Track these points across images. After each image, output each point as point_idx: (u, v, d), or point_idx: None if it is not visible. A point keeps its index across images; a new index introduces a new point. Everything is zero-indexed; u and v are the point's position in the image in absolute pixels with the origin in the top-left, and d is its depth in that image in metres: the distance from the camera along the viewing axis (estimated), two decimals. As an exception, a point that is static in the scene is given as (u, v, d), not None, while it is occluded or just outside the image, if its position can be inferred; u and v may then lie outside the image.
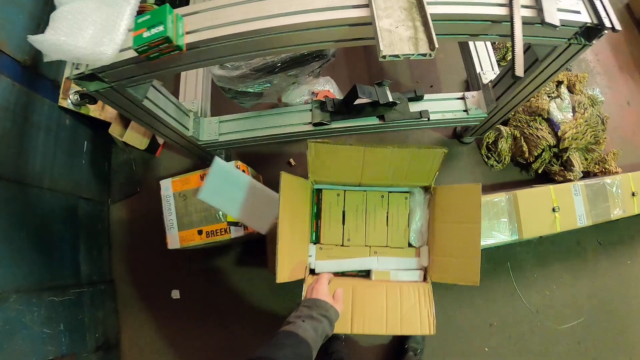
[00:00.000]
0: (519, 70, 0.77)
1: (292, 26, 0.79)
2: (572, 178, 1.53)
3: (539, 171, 1.61)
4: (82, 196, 1.55)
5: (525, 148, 1.55)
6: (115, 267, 1.64)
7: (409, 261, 1.12)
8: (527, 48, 1.06)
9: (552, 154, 1.56)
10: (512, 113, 1.60)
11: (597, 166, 1.64)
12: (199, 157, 1.57)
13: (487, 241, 1.37)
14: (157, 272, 1.62)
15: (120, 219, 1.67)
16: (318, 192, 1.14)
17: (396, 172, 1.02)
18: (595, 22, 0.88)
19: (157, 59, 0.80)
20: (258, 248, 1.49)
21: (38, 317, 1.25)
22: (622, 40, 2.01)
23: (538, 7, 0.85)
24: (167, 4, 0.78)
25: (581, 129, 1.51)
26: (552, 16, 0.83)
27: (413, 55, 0.71)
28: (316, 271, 1.08)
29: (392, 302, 0.98)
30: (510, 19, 0.81)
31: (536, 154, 1.53)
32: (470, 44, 1.43)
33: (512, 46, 0.79)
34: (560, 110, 1.54)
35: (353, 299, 0.98)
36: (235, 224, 1.32)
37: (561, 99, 1.56)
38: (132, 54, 0.79)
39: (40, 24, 1.36)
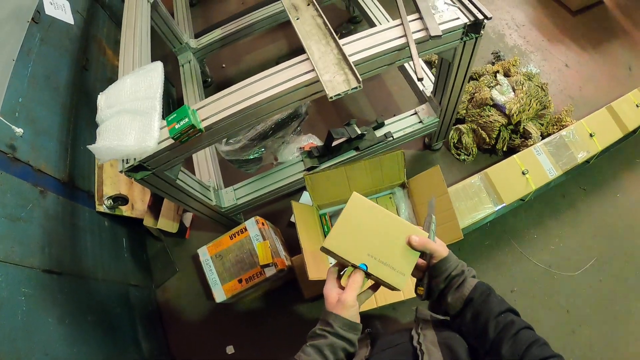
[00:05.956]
0: (420, 74, 1.26)
1: (269, 98, 1.28)
2: (532, 144, 2.00)
3: (504, 149, 2.08)
4: (131, 283, 1.98)
5: (484, 135, 2.03)
6: (172, 340, 2.04)
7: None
8: (441, 60, 1.60)
9: (509, 132, 2.04)
10: (464, 111, 2.12)
11: (554, 127, 2.12)
12: (224, 225, 2.04)
13: (476, 216, 1.79)
14: (209, 335, 2.02)
15: (167, 299, 2.11)
16: (324, 215, 1.63)
17: (374, 179, 1.51)
18: (472, 19, 1.32)
19: (186, 142, 1.30)
20: (296, 289, 1.91)
21: (112, 389, 1.58)
22: (542, 15, 2.61)
23: (425, 27, 1.32)
24: (186, 104, 1.29)
25: (524, 101, 1.99)
26: (435, 30, 1.30)
27: (349, 90, 1.19)
28: (339, 273, 1.53)
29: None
30: (407, 44, 1.31)
31: (494, 135, 2.01)
32: (408, 68, 2.00)
33: (412, 59, 1.27)
34: (502, 94, 2.05)
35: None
36: (267, 265, 1.78)
37: (500, 84, 2.09)
38: (167, 143, 1.26)
39: (68, 148, 1.86)
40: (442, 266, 0.79)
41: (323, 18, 1.38)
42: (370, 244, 0.79)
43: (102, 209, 1.94)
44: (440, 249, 0.79)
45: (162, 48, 2.37)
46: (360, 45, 1.33)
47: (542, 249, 1.96)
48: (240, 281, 1.79)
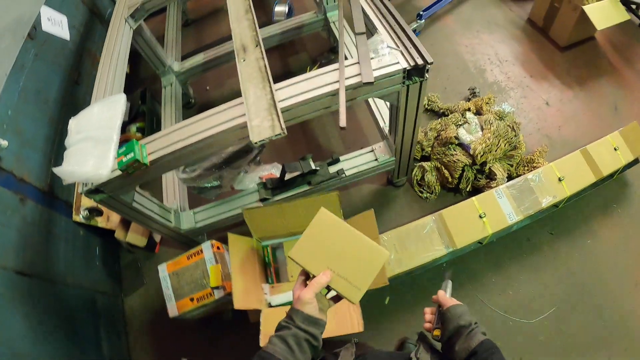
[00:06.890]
0: (342, 122, 1.25)
1: (206, 138, 1.36)
2: (496, 186, 1.95)
3: (468, 189, 2.05)
4: (99, 291, 2.10)
5: (447, 174, 2.02)
6: (132, 347, 2.15)
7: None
8: (391, 105, 1.62)
9: (474, 172, 2.02)
10: (429, 148, 2.13)
11: (525, 168, 2.07)
12: (186, 244, 2.11)
13: (426, 258, 1.77)
14: (168, 346, 2.12)
15: (133, 308, 2.23)
16: (266, 247, 1.69)
17: (310, 218, 1.55)
18: (412, 64, 1.33)
19: (133, 174, 1.40)
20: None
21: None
22: (529, 51, 2.56)
23: (359, 73, 1.33)
24: (134, 140, 1.38)
25: (491, 142, 1.96)
26: (368, 76, 1.30)
27: (272, 137, 1.23)
28: (272, 304, 1.58)
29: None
30: (338, 90, 1.31)
31: (457, 175, 2.00)
32: (372, 104, 2.03)
33: (339, 107, 1.28)
34: (469, 132, 2.04)
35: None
36: (217, 287, 1.86)
37: (468, 123, 2.08)
38: (118, 172, 1.37)
39: (52, 159, 1.98)
40: (447, 313, 0.92)
41: (265, 61, 1.44)
42: (331, 258, 0.84)
43: (78, 219, 2.08)
44: (448, 302, 0.96)
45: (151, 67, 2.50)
46: (294, 90, 1.38)
47: (499, 293, 1.92)
48: (192, 300, 1.87)
